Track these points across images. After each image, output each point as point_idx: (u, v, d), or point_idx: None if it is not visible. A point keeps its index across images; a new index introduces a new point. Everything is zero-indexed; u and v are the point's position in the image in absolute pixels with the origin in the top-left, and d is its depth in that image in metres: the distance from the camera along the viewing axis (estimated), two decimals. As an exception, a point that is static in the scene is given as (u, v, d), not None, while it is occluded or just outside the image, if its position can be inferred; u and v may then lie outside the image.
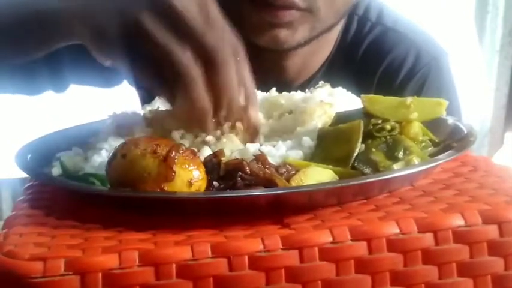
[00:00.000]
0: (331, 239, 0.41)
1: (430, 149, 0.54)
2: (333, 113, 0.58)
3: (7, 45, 0.65)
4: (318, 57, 0.91)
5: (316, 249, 0.40)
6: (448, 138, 0.56)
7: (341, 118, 0.57)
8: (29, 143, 0.61)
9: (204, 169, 0.47)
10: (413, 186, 0.50)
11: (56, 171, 0.57)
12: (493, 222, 0.43)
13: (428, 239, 0.42)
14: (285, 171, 0.48)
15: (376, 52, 0.90)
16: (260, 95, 0.64)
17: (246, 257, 0.40)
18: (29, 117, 1.83)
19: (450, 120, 0.59)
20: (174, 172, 0.45)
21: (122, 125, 0.62)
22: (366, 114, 0.55)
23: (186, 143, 0.55)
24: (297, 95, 0.63)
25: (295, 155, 0.53)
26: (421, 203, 0.46)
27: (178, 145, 0.47)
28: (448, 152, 0.50)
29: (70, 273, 0.38)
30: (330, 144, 0.53)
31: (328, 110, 0.58)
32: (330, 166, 0.49)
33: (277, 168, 0.49)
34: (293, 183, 0.47)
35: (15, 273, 0.38)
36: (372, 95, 0.56)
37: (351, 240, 0.41)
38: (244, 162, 0.47)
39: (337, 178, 0.48)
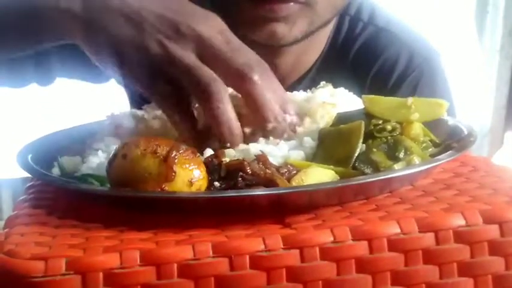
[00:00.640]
0: (332, 239, 0.41)
1: (430, 149, 0.54)
2: (335, 113, 0.58)
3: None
4: (309, 57, 0.89)
5: (317, 249, 0.40)
6: (448, 139, 0.56)
7: (342, 118, 0.57)
8: (31, 142, 0.61)
9: (205, 168, 0.47)
10: (414, 186, 0.50)
11: (56, 171, 0.57)
12: (493, 222, 0.43)
13: (429, 239, 0.42)
14: (286, 171, 0.48)
15: (368, 53, 0.89)
16: None
17: (247, 257, 0.40)
18: (28, 118, 1.84)
19: (450, 121, 0.59)
20: (175, 172, 0.45)
21: (120, 126, 0.62)
22: (367, 115, 0.55)
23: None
24: (299, 95, 0.63)
25: (297, 155, 0.53)
26: (422, 203, 0.46)
27: (178, 145, 0.47)
28: (448, 153, 0.50)
29: (71, 272, 0.38)
30: (331, 145, 0.53)
31: (331, 110, 0.58)
32: (331, 166, 0.49)
33: (278, 168, 0.49)
34: (294, 183, 0.47)
35: (16, 272, 0.39)
36: (372, 96, 0.56)
37: (352, 240, 0.41)
38: (245, 163, 0.47)
39: (338, 178, 0.48)
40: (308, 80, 0.89)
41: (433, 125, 0.56)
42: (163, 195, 0.45)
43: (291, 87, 0.72)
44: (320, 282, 0.41)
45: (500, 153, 2.16)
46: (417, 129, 0.54)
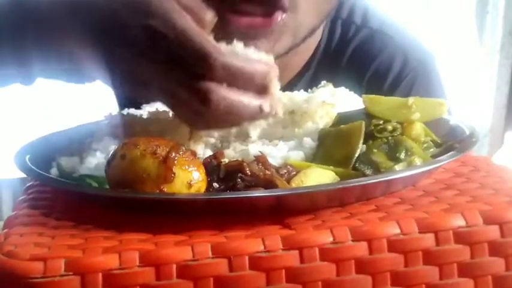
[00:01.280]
0: (331, 239, 0.41)
1: (432, 149, 0.54)
2: (335, 113, 0.58)
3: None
4: (297, 60, 0.87)
5: (317, 249, 0.40)
6: (450, 139, 0.55)
7: (342, 119, 0.56)
8: (29, 143, 0.61)
9: (204, 170, 0.47)
10: (414, 186, 0.50)
11: (54, 171, 0.57)
12: (493, 223, 0.43)
13: (429, 240, 0.42)
14: (285, 172, 0.48)
15: (362, 57, 0.88)
16: None
17: (247, 258, 0.40)
18: (28, 118, 1.83)
19: (452, 121, 0.59)
20: (174, 173, 0.45)
21: (118, 126, 0.62)
22: (368, 115, 0.55)
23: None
24: (299, 95, 0.62)
25: (297, 156, 0.53)
26: (422, 203, 0.46)
27: (178, 146, 0.47)
28: (450, 153, 0.50)
29: (70, 273, 0.38)
30: (331, 145, 0.53)
31: (330, 110, 0.58)
32: (331, 167, 0.49)
33: (277, 169, 0.48)
34: (293, 185, 0.47)
35: (16, 273, 0.38)
36: (373, 96, 0.56)
37: (352, 240, 0.41)
38: (245, 164, 0.47)
39: (338, 179, 0.48)
40: (300, 86, 0.87)
41: (434, 125, 0.56)
42: (161, 196, 0.45)
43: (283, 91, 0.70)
44: (320, 282, 0.40)
45: (500, 153, 2.16)
46: (418, 129, 0.54)
